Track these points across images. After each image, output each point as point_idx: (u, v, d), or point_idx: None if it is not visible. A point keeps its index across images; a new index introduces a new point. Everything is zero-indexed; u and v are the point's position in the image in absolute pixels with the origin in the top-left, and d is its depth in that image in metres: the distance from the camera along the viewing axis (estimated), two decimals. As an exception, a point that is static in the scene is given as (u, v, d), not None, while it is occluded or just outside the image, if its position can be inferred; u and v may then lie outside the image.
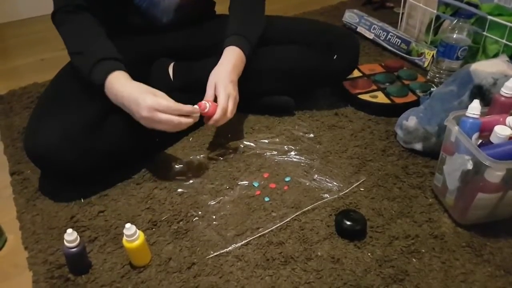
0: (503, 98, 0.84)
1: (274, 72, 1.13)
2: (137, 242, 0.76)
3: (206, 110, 0.94)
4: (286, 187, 0.96)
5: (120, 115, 0.98)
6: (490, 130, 0.80)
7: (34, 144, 0.88)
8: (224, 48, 1.04)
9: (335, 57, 1.13)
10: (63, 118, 0.89)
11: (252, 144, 1.09)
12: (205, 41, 1.17)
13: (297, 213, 0.89)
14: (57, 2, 0.97)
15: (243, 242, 0.84)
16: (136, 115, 0.88)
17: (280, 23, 1.18)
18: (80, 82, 0.95)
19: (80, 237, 0.78)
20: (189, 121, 0.89)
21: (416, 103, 1.16)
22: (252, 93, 1.16)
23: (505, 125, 0.80)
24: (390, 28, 1.57)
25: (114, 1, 1.05)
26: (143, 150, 1.04)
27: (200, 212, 0.91)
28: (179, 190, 0.96)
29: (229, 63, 1.01)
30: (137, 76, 1.11)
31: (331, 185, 0.97)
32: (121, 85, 0.90)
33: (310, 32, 1.17)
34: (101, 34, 0.97)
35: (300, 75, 1.15)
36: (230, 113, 0.97)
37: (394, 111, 1.16)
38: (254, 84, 1.13)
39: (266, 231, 0.86)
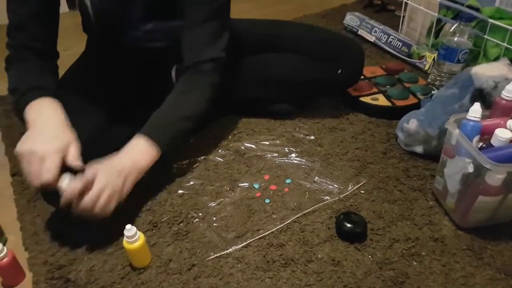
0: (504, 102, 0.84)
1: (277, 81, 1.13)
2: (137, 244, 0.76)
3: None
4: (286, 189, 0.96)
5: (124, 127, 0.97)
6: (491, 133, 0.80)
7: None
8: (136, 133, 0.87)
9: (339, 72, 1.12)
10: None
11: (253, 146, 1.09)
12: None
13: (298, 215, 0.89)
14: (10, 36, 0.88)
15: (244, 244, 0.83)
16: (26, 144, 0.76)
17: (285, 31, 1.17)
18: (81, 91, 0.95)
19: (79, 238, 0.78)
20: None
21: (417, 106, 1.16)
22: (254, 101, 1.16)
23: (506, 128, 0.80)
24: (391, 31, 1.57)
25: (106, 43, 1.03)
26: None
27: (200, 214, 0.91)
28: (180, 191, 0.96)
29: (127, 158, 0.83)
30: (139, 78, 1.11)
31: (331, 187, 0.97)
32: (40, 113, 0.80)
33: (315, 42, 1.15)
34: (43, 74, 0.88)
35: (303, 85, 1.14)
36: (99, 208, 0.75)
37: (395, 113, 1.16)
38: (256, 92, 1.12)
39: (267, 233, 0.86)
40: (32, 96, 0.82)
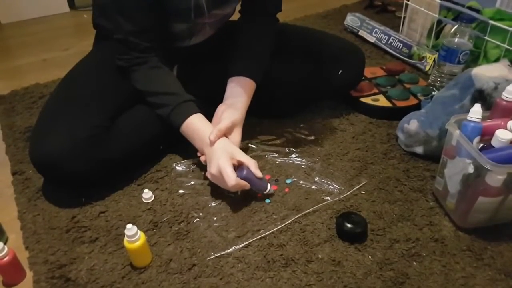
0: (504, 103, 0.84)
1: (278, 84, 1.12)
2: (138, 243, 0.76)
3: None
4: (287, 189, 0.96)
5: (126, 125, 0.97)
6: (491, 134, 0.80)
7: (41, 154, 0.87)
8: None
9: (340, 72, 1.12)
10: (70, 128, 0.88)
11: (253, 146, 1.09)
12: (214, 48, 1.16)
13: (298, 215, 0.89)
14: (122, 52, 0.95)
15: (244, 243, 0.84)
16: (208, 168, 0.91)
17: (286, 34, 1.17)
18: (87, 86, 0.95)
19: (80, 237, 0.78)
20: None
21: (417, 107, 1.16)
22: (256, 103, 1.16)
23: (506, 129, 0.80)
24: (391, 32, 1.57)
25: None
26: (147, 156, 1.04)
27: (201, 214, 0.91)
28: (180, 191, 0.96)
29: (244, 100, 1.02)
30: None
31: (332, 187, 0.97)
32: (199, 130, 0.94)
33: (316, 45, 1.15)
34: (170, 74, 1.00)
35: (304, 88, 1.14)
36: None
37: (395, 114, 1.16)
38: (259, 93, 1.12)
39: (267, 233, 0.86)
40: (185, 113, 0.94)
